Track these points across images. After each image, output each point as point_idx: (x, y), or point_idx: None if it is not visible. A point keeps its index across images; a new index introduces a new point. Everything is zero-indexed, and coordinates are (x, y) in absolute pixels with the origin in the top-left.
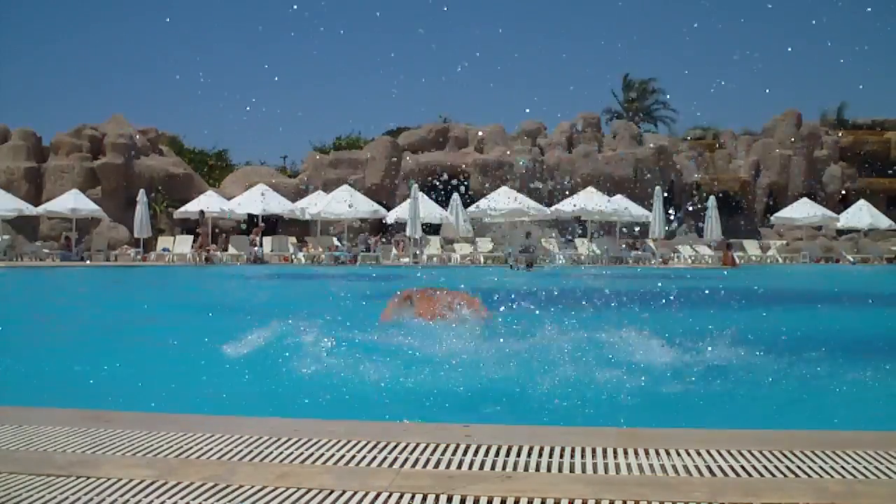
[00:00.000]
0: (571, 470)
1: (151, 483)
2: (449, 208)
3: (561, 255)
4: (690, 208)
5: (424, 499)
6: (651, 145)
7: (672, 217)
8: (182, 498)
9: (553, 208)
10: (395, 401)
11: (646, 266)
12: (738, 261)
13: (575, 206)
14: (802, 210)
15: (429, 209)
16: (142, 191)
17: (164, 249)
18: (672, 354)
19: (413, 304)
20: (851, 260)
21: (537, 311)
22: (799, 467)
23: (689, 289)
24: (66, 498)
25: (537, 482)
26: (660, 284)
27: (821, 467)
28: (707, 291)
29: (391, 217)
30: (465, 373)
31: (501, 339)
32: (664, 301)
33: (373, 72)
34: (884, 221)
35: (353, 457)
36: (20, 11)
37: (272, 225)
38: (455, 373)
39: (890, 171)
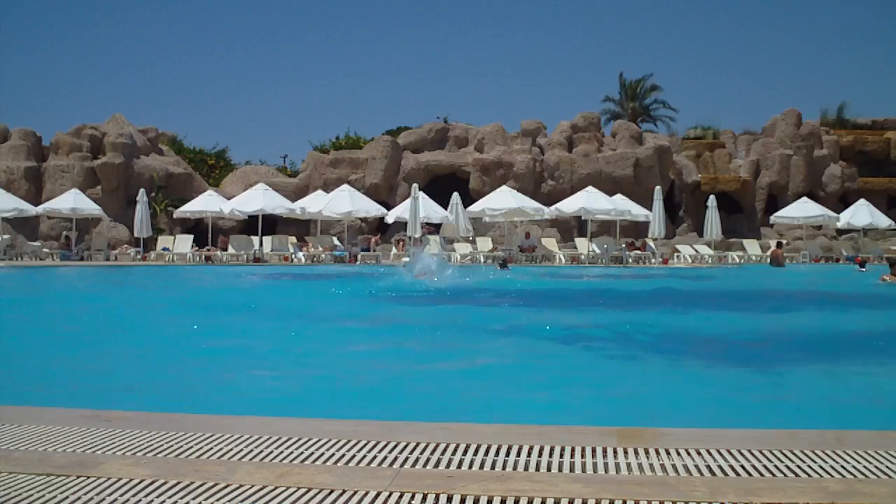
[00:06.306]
0: (571, 469)
1: (151, 483)
2: (449, 208)
3: (560, 255)
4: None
5: (424, 498)
6: (651, 144)
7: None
8: (182, 498)
9: (553, 208)
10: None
11: (644, 266)
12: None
13: (575, 205)
14: (802, 210)
15: (429, 209)
16: (142, 190)
17: (164, 249)
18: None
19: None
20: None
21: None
22: (799, 467)
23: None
24: (66, 498)
25: (537, 482)
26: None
27: (821, 467)
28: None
29: (391, 217)
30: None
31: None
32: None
33: (373, 72)
34: (884, 221)
35: (353, 457)
36: (20, 11)
37: (271, 224)
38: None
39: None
